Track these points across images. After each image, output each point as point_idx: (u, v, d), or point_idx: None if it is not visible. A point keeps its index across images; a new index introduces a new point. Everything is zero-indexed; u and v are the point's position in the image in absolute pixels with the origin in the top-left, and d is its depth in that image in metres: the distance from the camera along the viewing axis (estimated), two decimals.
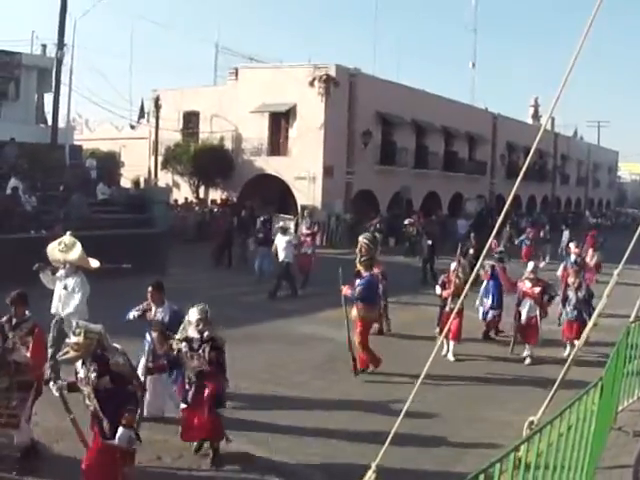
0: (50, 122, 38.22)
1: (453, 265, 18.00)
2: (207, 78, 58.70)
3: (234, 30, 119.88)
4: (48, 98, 39.63)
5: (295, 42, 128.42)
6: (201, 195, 51.35)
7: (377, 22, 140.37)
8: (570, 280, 18.19)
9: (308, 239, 27.13)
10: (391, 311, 20.70)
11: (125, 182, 45.05)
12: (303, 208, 46.65)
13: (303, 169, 46.34)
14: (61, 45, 36.21)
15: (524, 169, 6.50)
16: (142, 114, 57.85)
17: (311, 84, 46.68)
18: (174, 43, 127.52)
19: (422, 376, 7.09)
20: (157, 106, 51.52)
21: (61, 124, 38.33)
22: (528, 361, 16.97)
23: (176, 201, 47.46)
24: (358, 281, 15.84)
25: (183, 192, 50.82)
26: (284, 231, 26.72)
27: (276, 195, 49.14)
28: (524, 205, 69.13)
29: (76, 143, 40.80)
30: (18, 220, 27.22)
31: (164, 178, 50.89)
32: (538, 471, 6.69)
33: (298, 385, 14.54)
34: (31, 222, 27.85)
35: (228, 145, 50.67)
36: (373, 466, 6.83)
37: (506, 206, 7.08)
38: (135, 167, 50.40)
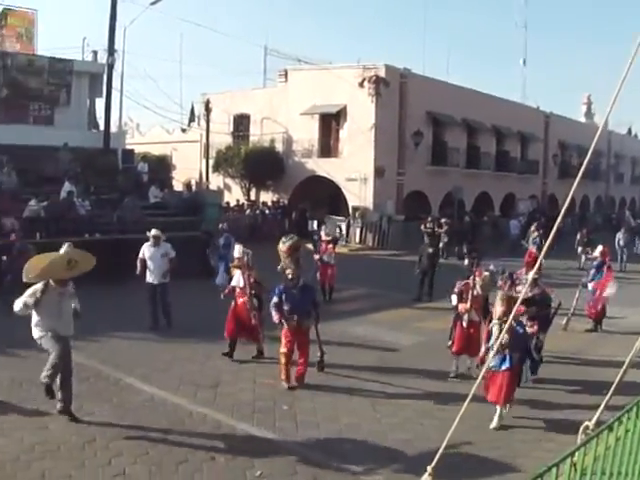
0: (102, 127, 38.62)
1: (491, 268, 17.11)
2: (256, 81, 58.81)
3: (283, 32, 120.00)
4: (99, 103, 40.07)
5: (344, 43, 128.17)
6: (252, 197, 51.53)
7: (426, 21, 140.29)
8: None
9: (329, 247, 25.51)
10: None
11: (177, 185, 45.33)
12: (354, 209, 46.66)
13: (354, 170, 46.29)
14: (111, 51, 36.61)
15: (582, 170, 6.43)
16: (192, 117, 58.29)
17: (361, 85, 46.62)
18: (223, 46, 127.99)
19: (481, 374, 7.10)
20: (207, 109, 51.91)
21: (113, 129, 38.71)
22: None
23: (228, 203, 47.66)
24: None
25: (234, 194, 51.08)
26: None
27: (327, 197, 49.17)
28: (577, 205, 68.20)
29: (128, 147, 41.16)
30: (72, 224, 27.52)
31: (215, 181, 51.24)
32: (595, 477, 6.64)
33: (352, 387, 14.55)
34: (85, 226, 28.15)
35: (279, 147, 50.80)
36: (429, 469, 6.83)
37: (564, 208, 7.00)
38: (186, 170, 50.81)
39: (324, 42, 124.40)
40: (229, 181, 52.16)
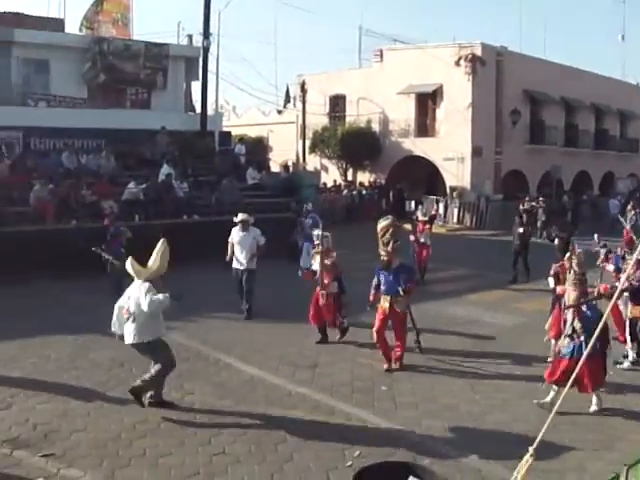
0: (199, 110, 38.93)
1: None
2: (352, 61, 58.70)
3: (377, 12, 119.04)
4: (196, 87, 40.38)
5: (439, 21, 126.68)
6: (349, 178, 51.50)
7: None
8: None
9: (426, 227, 24.84)
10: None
11: (274, 166, 45.53)
12: (452, 189, 46.34)
13: (451, 150, 45.93)
14: (207, 34, 36.82)
15: None
16: (288, 99, 58.34)
17: (457, 64, 46.17)
18: (318, 27, 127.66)
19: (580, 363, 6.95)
20: (303, 90, 52.00)
21: (209, 111, 39.00)
22: None
23: (325, 184, 47.68)
24: (389, 274, 14.32)
25: (331, 175, 51.08)
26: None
27: (424, 177, 48.91)
28: None
29: (225, 130, 41.40)
30: (170, 206, 27.83)
31: (312, 162, 51.34)
32: None
33: (450, 367, 14.44)
34: (183, 208, 28.45)
35: (375, 127, 50.64)
36: (530, 450, 6.73)
37: None
38: (283, 151, 51.00)
39: (419, 21, 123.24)
40: (326, 162, 52.22)
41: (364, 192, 47.26)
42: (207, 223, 26.74)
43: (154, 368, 11.64)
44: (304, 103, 51.66)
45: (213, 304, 19.17)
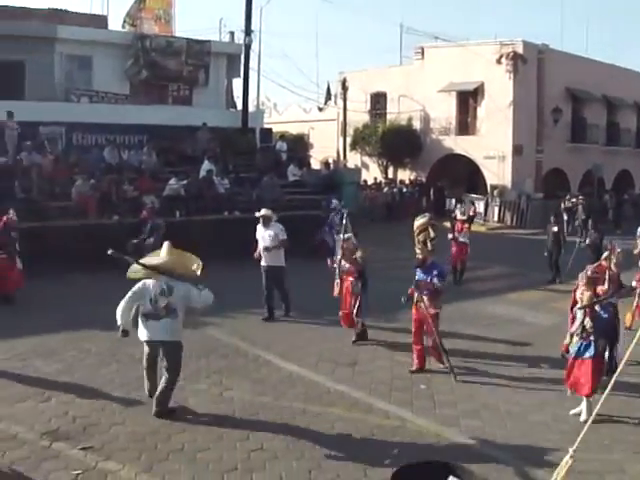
0: (240, 106, 39.02)
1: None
2: (393, 58, 58.58)
3: (418, 9, 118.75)
4: (237, 83, 40.50)
5: (480, 19, 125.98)
6: (390, 175, 51.41)
7: None
8: None
9: (465, 226, 24.51)
10: None
11: (314, 164, 45.53)
12: (493, 188, 46.12)
13: (492, 148, 45.69)
14: (248, 31, 36.86)
15: None
16: (329, 96, 58.37)
17: (498, 62, 45.91)
18: (359, 24, 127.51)
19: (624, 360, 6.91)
20: (344, 88, 51.93)
21: (251, 108, 39.08)
22: None
23: (365, 181, 47.62)
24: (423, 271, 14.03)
25: (372, 173, 51.02)
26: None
27: (465, 175, 48.74)
28: None
29: (266, 126, 41.46)
30: (211, 202, 27.93)
31: (353, 159, 51.31)
32: None
33: (489, 366, 14.38)
34: (224, 204, 28.53)
35: (416, 125, 50.49)
36: (570, 451, 6.71)
37: None
38: (324, 148, 50.92)
39: (460, 18, 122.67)
40: (366, 159, 52.17)
41: (404, 190, 47.15)
42: (248, 220, 26.78)
43: (168, 376, 11.37)
44: (345, 100, 51.60)
45: (252, 300, 19.21)
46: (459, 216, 24.88)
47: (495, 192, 45.59)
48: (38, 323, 16.64)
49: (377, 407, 11.83)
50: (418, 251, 14.23)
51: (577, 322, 11.68)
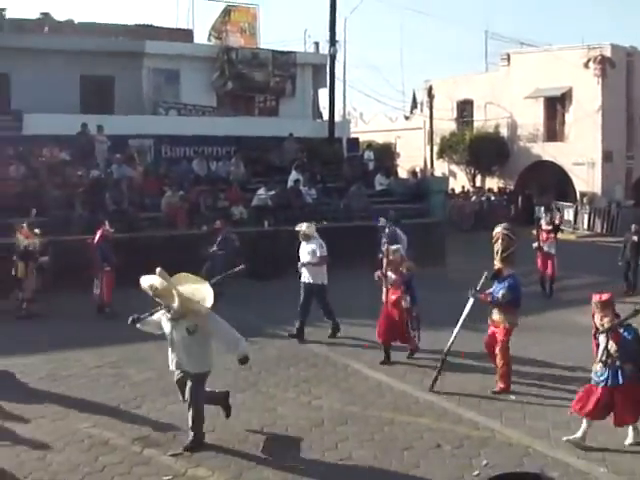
0: (326, 116, 39.16)
1: None
2: (478, 65, 58.33)
3: (503, 15, 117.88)
4: (323, 94, 40.66)
5: (566, 23, 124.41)
6: (477, 183, 51.11)
7: None
8: None
9: (550, 236, 23.76)
10: None
11: (402, 172, 45.42)
12: (582, 195, 45.54)
13: (581, 154, 45.16)
14: (333, 42, 36.97)
15: None
16: (415, 105, 58.28)
17: (585, 66, 45.43)
18: (443, 32, 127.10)
19: None
20: (430, 96, 51.81)
21: (337, 118, 39.15)
22: None
23: (453, 190, 47.39)
24: (497, 282, 13.39)
25: (459, 181, 50.82)
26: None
27: (554, 182, 48.16)
28: None
29: (352, 136, 41.52)
30: (299, 212, 28.00)
31: (440, 167, 51.17)
32: None
33: (581, 376, 14.13)
34: (312, 214, 28.58)
35: (503, 132, 50.16)
36: None
37: None
38: (411, 157, 50.87)
39: (546, 23, 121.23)
40: (454, 167, 52.00)
41: (492, 198, 46.78)
42: (336, 229, 26.84)
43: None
44: (431, 108, 51.47)
45: (342, 309, 19.22)
46: (544, 225, 24.35)
47: (584, 199, 44.99)
48: (129, 332, 16.83)
49: (466, 417, 11.73)
50: (495, 262, 13.66)
51: (601, 349, 10.74)
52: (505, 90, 49.20)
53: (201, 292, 10.64)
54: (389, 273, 15.29)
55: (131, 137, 31.15)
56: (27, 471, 9.73)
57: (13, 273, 19.45)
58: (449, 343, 13.24)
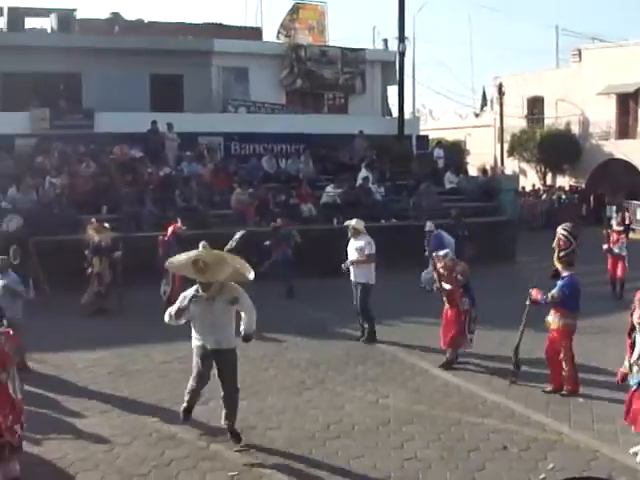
0: (395, 114, 39.08)
1: None
2: (548, 61, 57.79)
3: (574, 10, 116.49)
4: (392, 91, 40.59)
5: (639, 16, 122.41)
6: (548, 182, 50.61)
7: None
8: None
9: (621, 237, 22.97)
10: None
11: (471, 170, 45.14)
12: None
13: None
14: (402, 38, 36.83)
15: None
16: (485, 102, 58.01)
17: None
18: (513, 27, 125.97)
19: None
20: (500, 93, 51.50)
21: (406, 115, 39.01)
22: None
23: (523, 188, 46.94)
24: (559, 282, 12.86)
25: (530, 179, 50.35)
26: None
27: (626, 181, 47.42)
28: None
29: (422, 133, 41.36)
30: (368, 210, 27.94)
31: (510, 165, 50.72)
32: None
33: None
34: (381, 211, 28.53)
35: (574, 130, 49.56)
36: None
37: None
38: (481, 155, 50.50)
39: (618, 18, 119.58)
40: (524, 165, 51.52)
41: (563, 197, 46.27)
42: (405, 227, 26.80)
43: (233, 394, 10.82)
44: (501, 105, 51.14)
45: (408, 308, 19.18)
46: (615, 226, 23.79)
47: None
48: None
49: (534, 419, 11.59)
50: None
51: (637, 350, 10.26)
52: (576, 86, 48.56)
53: (245, 265, 10.97)
54: (443, 284, 14.87)
55: (201, 135, 31.50)
56: (94, 464, 9.89)
57: (86, 268, 19.72)
58: (517, 340, 13.13)
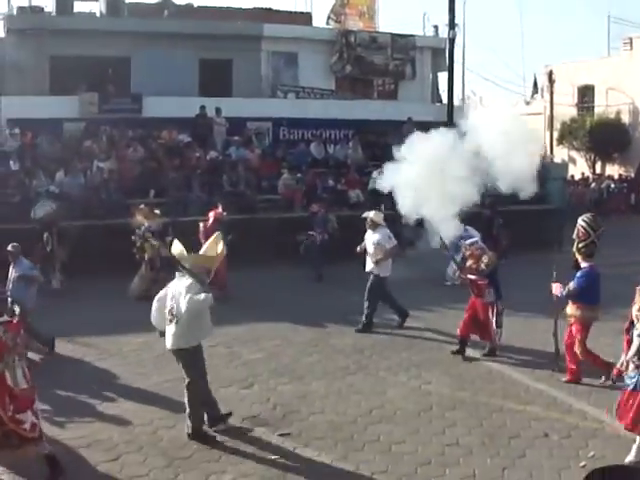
0: (445, 100, 38.91)
1: None
2: (600, 50, 57.16)
3: None
4: (442, 77, 40.39)
5: None
6: (597, 170, 50.18)
7: None
8: None
9: None
10: None
11: None
12: None
13: None
14: (452, 25, 36.59)
15: None
16: (535, 89, 57.47)
17: None
18: (564, 15, 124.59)
19: None
20: (551, 81, 51.02)
21: (456, 102, 38.85)
22: None
23: (572, 177, 46.56)
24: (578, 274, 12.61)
25: (579, 167, 49.91)
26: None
27: None
28: None
29: None
30: None
31: (559, 153, 50.30)
32: None
33: None
34: None
35: (625, 119, 49.08)
36: None
37: None
38: None
39: None
40: (574, 154, 51.09)
41: (612, 186, 45.82)
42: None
43: (186, 393, 10.57)
44: (552, 93, 50.69)
45: (453, 295, 19.18)
46: None
47: None
48: (244, 312, 17.18)
49: (576, 407, 11.63)
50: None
51: (634, 347, 9.72)
52: (627, 75, 47.99)
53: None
54: (468, 275, 14.66)
55: (249, 120, 31.58)
56: (138, 446, 10.11)
57: (135, 254, 19.88)
58: (554, 328, 13.09)
